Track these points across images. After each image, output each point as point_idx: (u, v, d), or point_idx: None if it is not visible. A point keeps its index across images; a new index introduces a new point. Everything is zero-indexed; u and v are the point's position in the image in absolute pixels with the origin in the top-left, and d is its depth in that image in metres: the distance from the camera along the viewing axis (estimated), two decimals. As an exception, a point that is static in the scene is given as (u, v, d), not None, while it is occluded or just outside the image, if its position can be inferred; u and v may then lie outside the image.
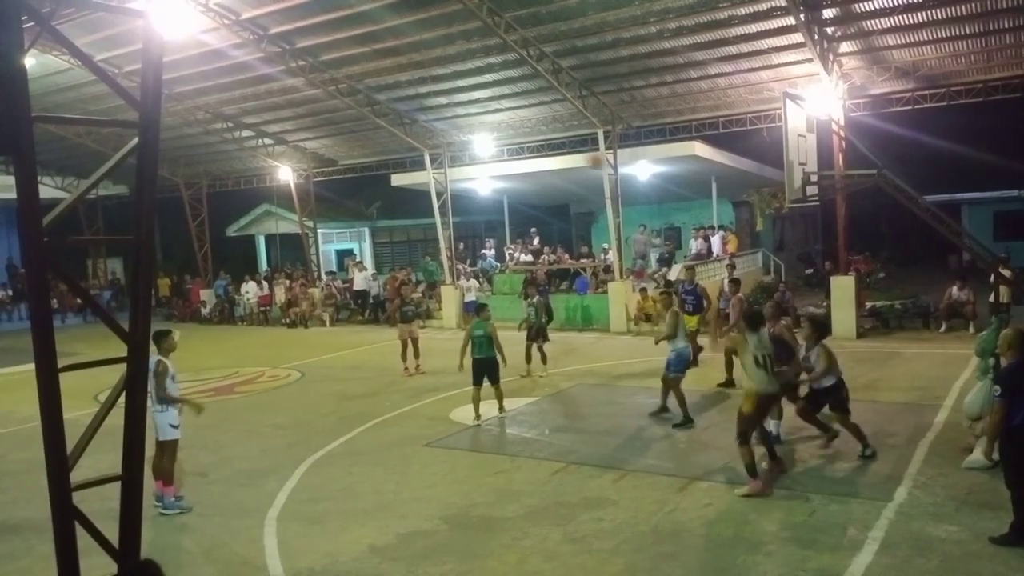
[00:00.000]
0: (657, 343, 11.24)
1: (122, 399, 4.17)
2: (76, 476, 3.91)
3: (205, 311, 27.59)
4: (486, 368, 10.89)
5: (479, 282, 23.41)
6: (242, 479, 9.00)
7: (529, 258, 23.97)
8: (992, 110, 19.03)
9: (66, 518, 3.83)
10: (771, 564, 6.02)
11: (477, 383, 10.87)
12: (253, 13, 16.29)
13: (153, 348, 7.96)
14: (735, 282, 13.88)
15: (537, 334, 14.17)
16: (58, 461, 3.76)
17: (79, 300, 26.07)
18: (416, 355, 15.11)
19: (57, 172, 28.29)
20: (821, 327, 9.04)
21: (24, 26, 3.56)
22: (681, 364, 10.36)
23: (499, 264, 25.41)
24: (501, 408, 11.12)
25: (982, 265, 16.51)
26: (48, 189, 26.54)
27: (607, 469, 8.53)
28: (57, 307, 25.29)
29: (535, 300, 14.65)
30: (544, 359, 14.12)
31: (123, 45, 17.08)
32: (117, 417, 4.07)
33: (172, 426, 7.94)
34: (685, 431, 9.81)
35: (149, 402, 7.77)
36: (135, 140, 4.01)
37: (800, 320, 12.09)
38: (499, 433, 10.51)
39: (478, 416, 10.81)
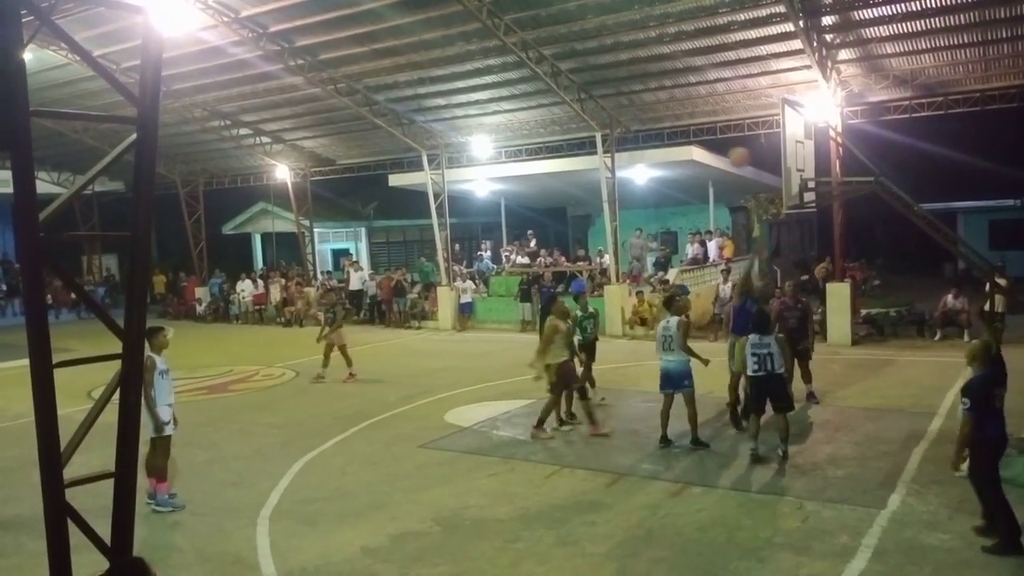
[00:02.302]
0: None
1: (116, 396, 4.15)
2: (69, 473, 3.89)
3: (200, 309, 27.53)
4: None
5: (475, 284, 23.40)
6: (235, 478, 8.98)
7: (526, 260, 23.98)
8: (989, 119, 19.10)
9: (59, 515, 3.80)
10: (764, 570, 6.02)
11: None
12: (253, 11, 16.26)
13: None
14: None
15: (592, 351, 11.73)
16: (51, 458, 3.73)
17: (73, 296, 25.99)
18: (325, 364, 14.56)
19: (53, 168, 28.17)
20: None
21: (23, 20, 3.54)
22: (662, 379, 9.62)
23: (495, 266, 25.41)
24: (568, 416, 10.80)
25: (977, 274, 16.54)
26: (44, 184, 26.44)
27: (601, 473, 8.53)
28: (51, 303, 25.19)
29: (591, 312, 11.93)
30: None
31: (121, 41, 17.02)
32: (110, 414, 4.05)
33: (165, 422, 7.91)
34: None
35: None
36: (133, 136, 3.99)
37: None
38: (493, 435, 10.49)
39: (560, 422, 10.60)
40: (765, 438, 8.87)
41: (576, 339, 11.03)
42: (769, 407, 8.79)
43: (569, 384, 10.20)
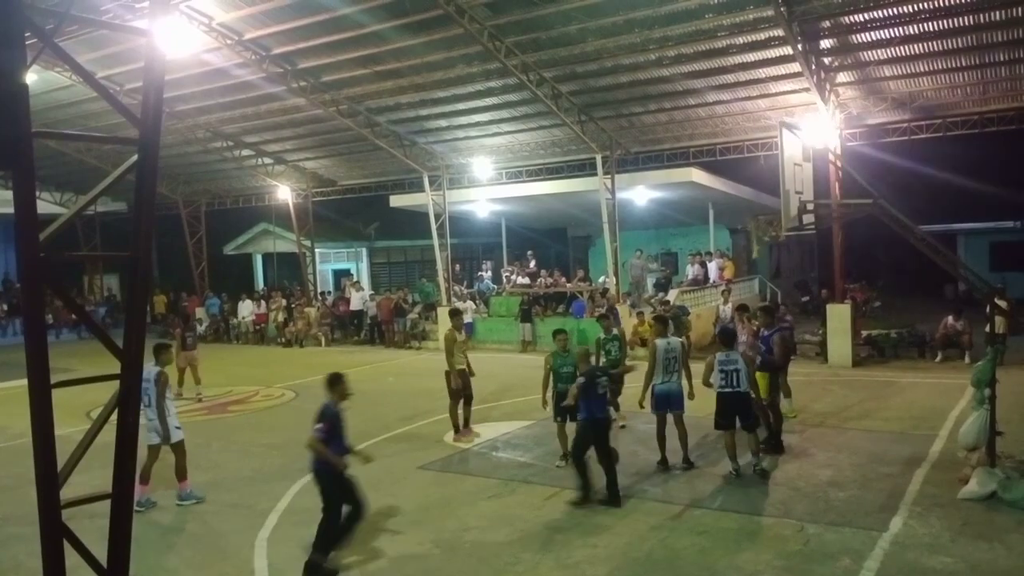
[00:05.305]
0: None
1: (114, 416, 4.14)
2: (67, 493, 3.87)
3: (200, 329, 27.48)
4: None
5: (476, 304, 23.40)
6: (234, 499, 8.93)
7: (526, 280, 24.00)
8: (988, 141, 19.18)
9: (54, 536, 3.78)
10: (765, 593, 5.97)
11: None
12: (256, 34, 16.40)
13: (152, 359, 8.17)
14: (742, 308, 12.71)
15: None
16: (48, 477, 3.72)
17: (74, 316, 25.99)
18: (197, 381, 15.29)
19: (56, 188, 28.32)
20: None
21: (27, 42, 3.57)
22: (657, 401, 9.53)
23: (496, 286, 25.42)
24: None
25: (978, 295, 16.55)
26: (46, 204, 26.56)
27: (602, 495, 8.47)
28: (52, 322, 25.21)
29: (615, 332, 11.62)
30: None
31: (125, 63, 17.16)
32: (108, 434, 4.04)
33: (176, 427, 8.65)
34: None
35: (150, 413, 8.12)
36: (135, 157, 4.01)
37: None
38: (493, 457, 10.44)
39: (566, 454, 9.57)
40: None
41: (602, 361, 10.96)
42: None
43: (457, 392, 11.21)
